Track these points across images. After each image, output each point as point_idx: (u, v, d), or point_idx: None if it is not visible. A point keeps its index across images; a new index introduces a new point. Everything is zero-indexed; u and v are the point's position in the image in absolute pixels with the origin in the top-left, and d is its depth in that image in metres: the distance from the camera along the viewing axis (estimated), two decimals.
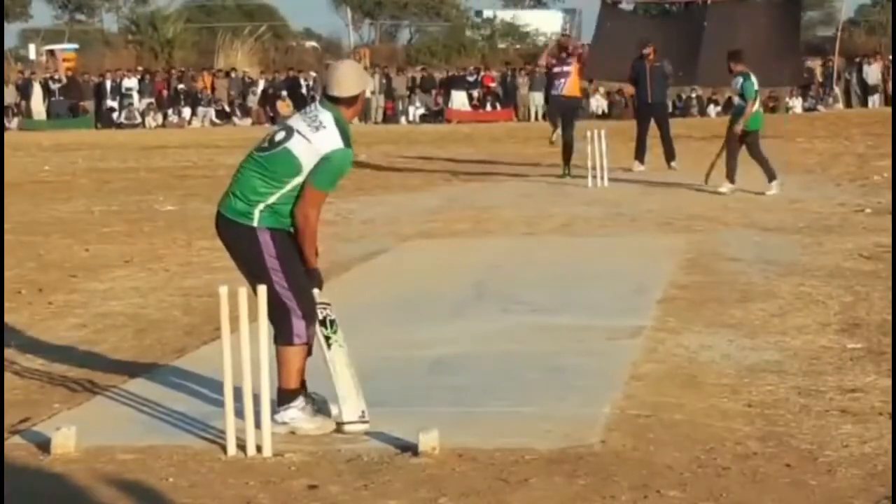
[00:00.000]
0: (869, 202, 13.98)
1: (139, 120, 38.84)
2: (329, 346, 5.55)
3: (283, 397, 5.56)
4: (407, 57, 52.74)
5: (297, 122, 5.63)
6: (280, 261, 5.50)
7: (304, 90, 38.69)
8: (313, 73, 40.19)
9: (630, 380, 6.38)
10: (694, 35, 23.13)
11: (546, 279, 9.55)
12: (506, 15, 62.24)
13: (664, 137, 18.63)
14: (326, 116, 5.54)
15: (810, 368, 6.65)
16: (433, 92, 39.76)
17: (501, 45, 57.35)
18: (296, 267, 5.54)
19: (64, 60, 44.37)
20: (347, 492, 4.85)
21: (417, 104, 39.47)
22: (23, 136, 34.05)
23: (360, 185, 16.77)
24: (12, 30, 67.82)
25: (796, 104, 36.88)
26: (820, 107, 37.14)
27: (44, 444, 5.44)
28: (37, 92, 39.51)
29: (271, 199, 5.49)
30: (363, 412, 5.56)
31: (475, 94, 39.69)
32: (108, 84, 39.66)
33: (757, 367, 6.68)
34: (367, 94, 5.90)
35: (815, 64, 38.31)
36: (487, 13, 63.67)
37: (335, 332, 5.57)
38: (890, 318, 7.80)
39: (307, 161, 5.46)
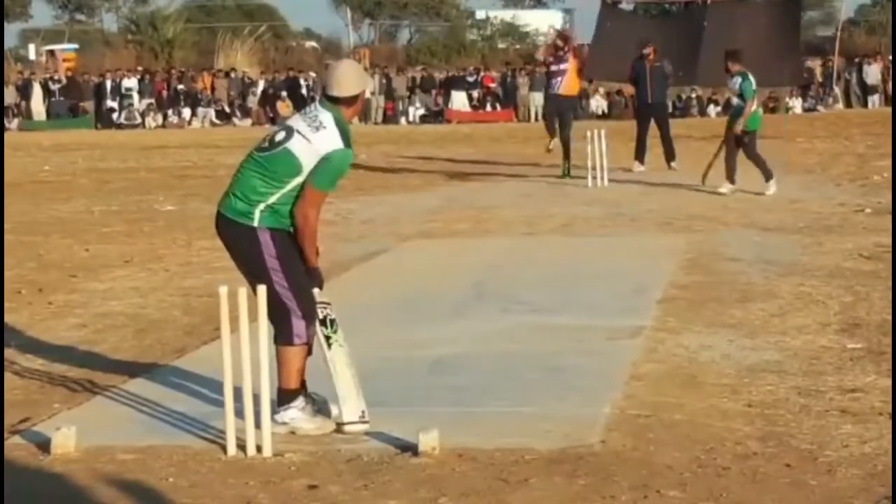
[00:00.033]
0: (869, 202, 13.98)
1: (139, 120, 38.84)
2: (329, 345, 5.55)
3: (283, 397, 5.56)
4: (407, 57, 52.74)
5: (297, 122, 5.63)
6: (280, 261, 5.50)
7: (304, 90, 38.68)
8: (313, 74, 40.18)
9: (630, 380, 6.38)
10: (694, 35, 23.12)
11: (546, 279, 9.55)
12: (503, 15, 62.25)
13: (664, 137, 18.63)
14: (326, 116, 5.54)
15: (810, 368, 6.65)
16: (433, 92, 39.76)
17: (501, 46, 57.38)
18: (296, 267, 5.54)
19: (64, 60, 44.37)
20: (347, 492, 4.85)
21: (417, 104, 39.47)
22: (23, 136, 34.05)
23: (360, 185, 16.78)
24: (12, 30, 67.85)
25: (796, 104, 36.87)
26: (820, 107, 37.14)
27: (44, 444, 5.44)
28: (37, 92, 39.51)
29: (271, 199, 5.49)
30: (363, 412, 5.56)
31: (475, 94, 39.69)
32: (108, 84, 39.66)
33: (757, 367, 6.68)
34: (367, 95, 5.90)
35: (815, 64, 38.31)
36: (480, 14, 63.76)
37: (336, 332, 5.57)
38: (890, 318, 7.80)
39: (307, 161, 5.46)
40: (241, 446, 5.32)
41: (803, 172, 17.80)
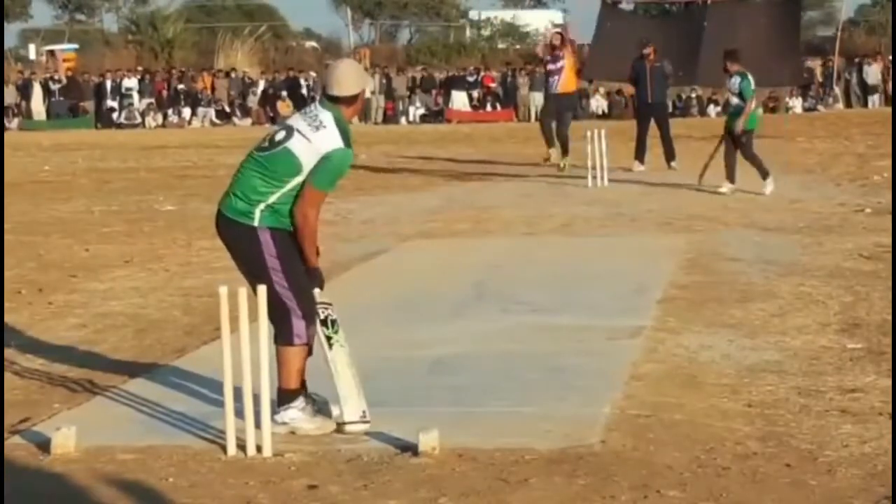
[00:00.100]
0: (869, 202, 13.98)
1: (139, 120, 38.85)
2: (330, 345, 5.55)
3: (283, 397, 5.56)
4: (407, 57, 52.75)
5: (297, 121, 5.63)
6: (280, 260, 5.50)
7: (304, 90, 38.69)
8: (313, 74, 40.17)
9: (630, 380, 6.38)
10: (694, 35, 23.14)
11: (546, 279, 9.55)
12: (503, 15, 62.26)
13: (664, 137, 18.64)
14: (326, 116, 5.55)
15: (810, 368, 6.65)
16: (433, 92, 39.77)
17: (501, 46, 57.40)
18: (296, 267, 5.54)
19: (64, 60, 44.36)
20: (347, 492, 4.85)
21: (417, 104, 39.48)
22: (23, 136, 34.05)
23: (360, 185, 16.78)
24: (12, 30, 67.88)
25: (796, 104, 36.88)
26: (820, 107, 37.15)
27: (44, 444, 5.44)
28: (37, 92, 39.52)
29: (272, 199, 5.49)
30: (364, 412, 5.56)
31: (475, 94, 39.69)
32: (108, 84, 39.67)
33: (757, 367, 6.68)
34: (367, 94, 5.90)
35: (815, 64, 38.32)
36: (473, 14, 63.83)
37: (336, 332, 5.57)
38: (890, 318, 7.80)
39: (307, 161, 5.46)
40: (241, 446, 5.32)
41: (803, 172, 17.80)
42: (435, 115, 38.83)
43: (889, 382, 6.28)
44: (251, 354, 5.29)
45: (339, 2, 68.46)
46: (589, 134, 16.41)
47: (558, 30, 18.38)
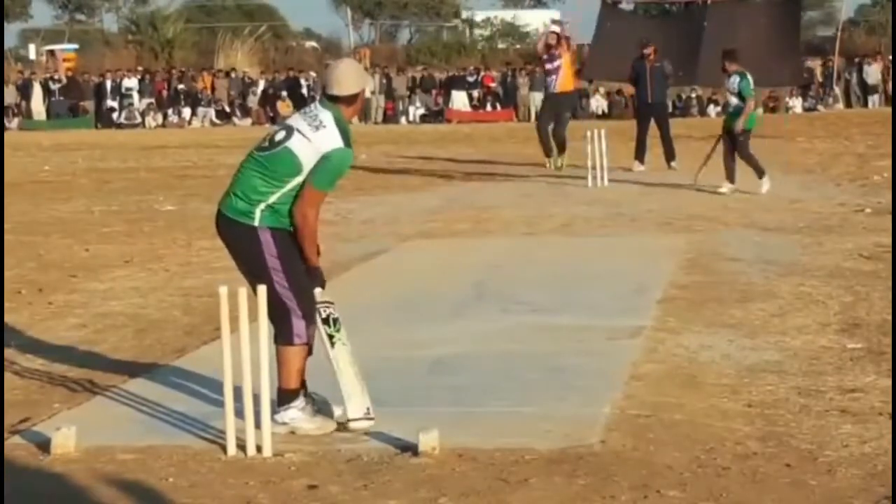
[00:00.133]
0: (869, 202, 13.98)
1: (139, 120, 38.85)
2: (332, 344, 5.55)
3: (283, 397, 5.56)
4: (407, 57, 52.76)
5: (297, 121, 5.63)
6: (281, 260, 5.50)
7: (304, 90, 38.69)
8: (313, 73, 40.17)
9: (630, 380, 6.38)
10: (694, 35, 23.15)
11: (546, 279, 9.55)
12: (500, 15, 62.29)
13: (664, 137, 18.64)
14: (326, 116, 5.55)
15: (810, 368, 6.65)
16: (433, 92, 39.77)
17: (501, 46, 57.43)
18: (296, 267, 5.54)
19: (64, 60, 44.38)
20: (347, 492, 4.85)
21: (417, 104, 39.48)
22: (23, 136, 34.05)
23: (360, 185, 16.78)
24: (12, 30, 67.92)
25: (796, 104, 36.89)
26: (820, 107, 37.15)
27: (44, 444, 5.44)
28: (37, 92, 39.53)
29: (272, 199, 5.49)
30: (368, 409, 5.56)
31: (475, 94, 39.69)
32: (108, 84, 39.67)
33: (757, 367, 6.68)
34: (367, 94, 5.90)
35: (815, 64, 38.32)
36: (466, 13, 63.87)
37: (339, 331, 5.57)
38: (890, 318, 7.80)
39: (307, 160, 5.46)
40: (241, 446, 5.32)
41: (803, 172, 17.81)
42: (435, 115, 38.83)
43: (889, 382, 6.28)
44: (251, 354, 5.29)
45: (339, 2, 68.49)
46: (589, 134, 16.41)
47: (554, 28, 18.31)
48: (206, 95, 40.01)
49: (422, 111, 39.23)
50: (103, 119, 38.73)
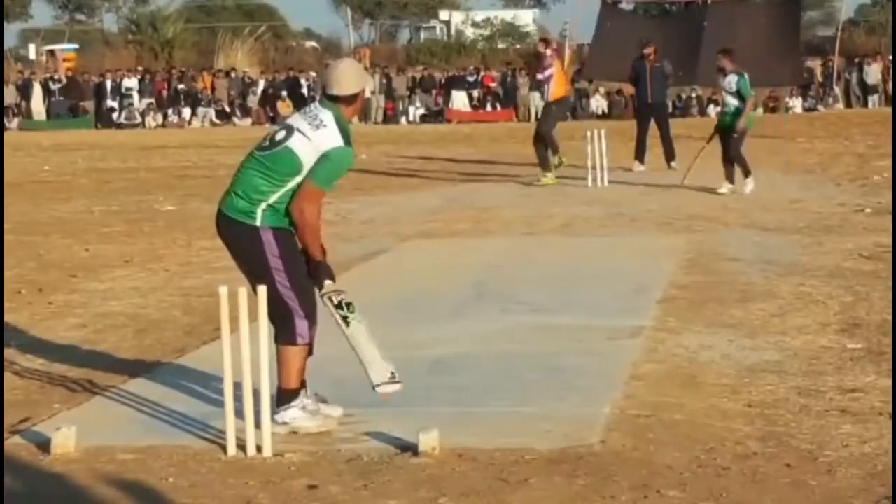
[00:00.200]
0: (869, 202, 13.98)
1: (139, 120, 38.85)
2: (348, 324, 5.52)
3: (283, 397, 5.56)
4: (407, 57, 52.76)
5: (297, 120, 5.63)
6: (283, 260, 5.50)
7: (304, 90, 38.68)
8: (313, 73, 40.17)
9: (630, 380, 6.38)
10: (694, 35, 23.17)
11: (546, 279, 9.55)
12: (497, 15, 62.37)
13: (664, 137, 18.64)
14: (327, 115, 5.55)
15: (810, 368, 6.65)
16: (433, 92, 39.76)
17: (501, 46, 57.44)
18: (298, 267, 5.54)
19: (64, 60, 44.39)
20: (347, 492, 4.85)
21: (417, 104, 39.47)
22: (23, 136, 34.06)
23: (360, 185, 16.78)
24: (12, 30, 67.95)
25: (796, 104, 36.88)
26: (820, 107, 37.15)
27: (44, 444, 5.44)
28: (37, 92, 39.52)
29: (273, 198, 5.49)
30: (393, 373, 5.54)
31: (475, 94, 39.69)
32: (108, 84, 39.67)
33: (757, 367, 6.68)
34: (367, 94, 5.90)
35: (815, 64, 38.32)
36: (444, 15, 63.97)
37: (353, 312, 5.55)
38: (890, 318, 7.80)
39: (308, 159, 5.46)
40: (241, 446, 5.32)
41: (803, 172, 17.81)
42: (435, 115, 38.83)
43: (889, 382, 6.28)
44: (251, 354, 5.30)
45: (339, 2, 68.52)
46: (589, 134, 16.41)
47: (543, 37, 18.24)
48: (206, 95, 40.00)
49: (422, 111, 39.23)
50: (103, 119, 38.73)
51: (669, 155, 18.53)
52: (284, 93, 38.52)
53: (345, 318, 5.51)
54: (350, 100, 5.61)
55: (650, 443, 5.33)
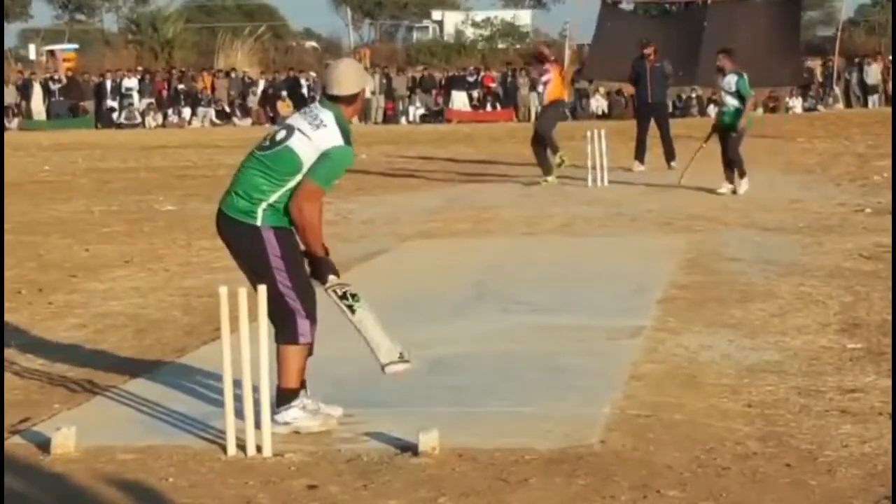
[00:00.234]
0: (869, 202, 13.98)
1: (139, 120, 38.85)
2: (354, 311, 5.52)
3: (284, 397, 5.56)
4: (407, 57, 52.76)
5: (297, 120, 5.63)
6: (284, 260, 5.50)
7: (304, 90, 38.69)
8: (313, 73, 40.18)
9: (630, 380, 6.38)
10: (694, 35, 23.16)
11: (546, 279, 9.55)
12: (497, 15, 62.42)
13: (664, 137, 18.65)
14: (327, 115, 5.55)
15: (810, 368, 6.65)
16: (433, 92, 39.76)
17: (501, 46, 57.46)
18: (299, 266, 5.54)
19: (64, 60, 44.38)
20: (347, 492, 4.85)
21: (417, 104, 39.48)
22: (23, 136, 34.06)
23: (360, 185, 16.78)
24: (12, 30, 67.98)
25: (796, 104, 36.88)
26: (820, 107, 37.16)
27: (44, 444, 5.44)
28: (37, 92, 39.53)
29: (273, 198, 5.49)
30: (402, 353, 5.55)
31: (475, 94, 39.69)
32: (108, 84, 39.68)
33: (757, 367, 6.68)
34: (368, 94, 5.90)
35: (815, 64, 38.33)
36: (436, 15, 64.05)
37: (358, 301, 5.55)
38: (890, 318, 7.80)
39: (308, 158, 5.46)
40: (241, 446, 5.32)
41: (803, 172, 17.81)
42: (435, 115, 38.83)
43: (889, 382, 6.28)
44: (251, 354, 5.30)
45: (339, 2, 68.53)
46: (589, 134, 16.41)
47: (543, 45, 18.21)
48: (206, 95, 40.01)
49: (422, 111, 39.24)
50: (103, 119, 38.74)
51: (669, 155, 18.54)
52: (284, 93, 38.53)
53: (350, 307, 5.52)
54: (350, 100, 5.61)
55: (650, 443, 5.33)
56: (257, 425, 5.31)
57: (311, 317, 5.52)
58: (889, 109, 30.55)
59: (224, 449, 5.34)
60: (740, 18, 23.57)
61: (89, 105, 39.34)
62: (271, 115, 37.71)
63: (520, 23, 61.00)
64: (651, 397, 6.04)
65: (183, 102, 39.75)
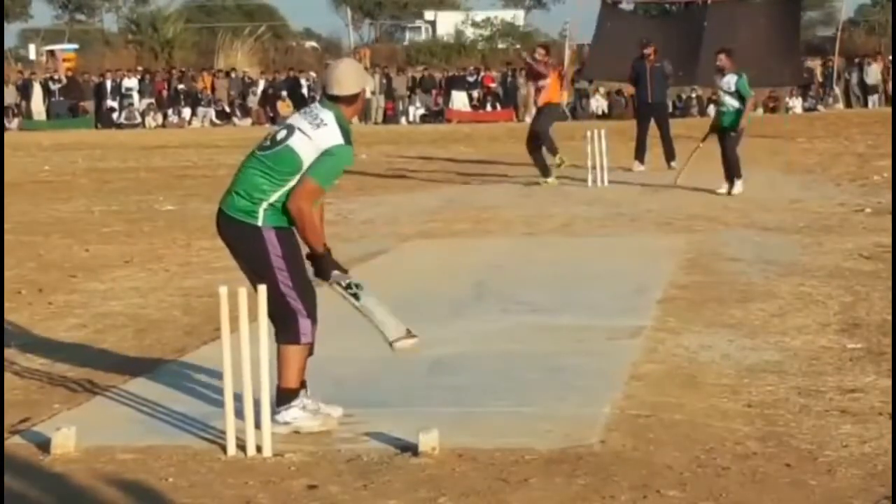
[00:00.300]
0: (869, 202, 13.99)
1: (139, 120, 38.84)
2: (358, 297, 5.56)
3: (284, 397, 5.56)
4: (407, 57, 52.75)
5: (297, 120, 5.63)
6: (285, 260, 5.50)
7: (304, 90, 38.68)
8: (313, 73, 40.17)
9: (630, 380, 6.38)
10: (694, 35, 23.19)
11: (546, 279, 9.55)
12: (497, 15, 62.47)
13: (664, 137, 18.65)
14: (327, 115, 5.55)
15: (810, 368, 6.65)
16: (433, 92, 39.75)
17: (501, 46, 57.46)
18: (300, 266, 5.55)
19: (64, 60, 44.38)
20: (347, 492, 4.85)
21: (417, 104, 39.46)
22: (23, 136, 34.05)
23: (360, 185, 16.78)
24: (12, 30, 67.99)
25: (796, 104, 36.87)
26: (820, 107, 37.14)
27: (44, 444, 5.44)
28: (37, 92, 39.52)
29: (273, 197, 5.49)
30: (408, 329, 5.58)
31: (475, 94, 39.68)
32: (108, 84, 39.66)
33: (757, 367, 6.68)
34: (368, 94, 5.90)
35: (815, 64, 38.31)
36: (429, 15, 64.12)
37: (361, 288, 5.59)
38: (890, 318, 7.80)
39: (308, 158, 5.46)
40: (241, 446, 5.32)
41: (803, 172, 17.81)
42: (435, 115, 38.82)
43: (889, 382, 6.28)
44: (251, 354, 5.30)
45: (339, 2, 68.53)
46: (589, 134, 16.42)
47: (541, 50, 18.16)
48: (206, 95, 39.99)
49: (422, 111, 39.22)
50: (103, 119, 38.72)
51: (669, 155, 18.54)
52: (284, 93, 38.51)
53: (355, 296, 5.54)
54: (350, 100, 5.61)
55: (650, 443, 5.33)
56: (257, 425, 5.31)
57: (312, 317, 5.53)
58: (889, 109, 30.54)
59: (224, 449, 5.34)
60: (740, 18, 23.59)
61: (89, 105, 39.32)
62: (271, 115, 37.70)
63: (520, 22, 61.03)
64: (651, 397, 6.04)
65: (183, 102, 39.74)
